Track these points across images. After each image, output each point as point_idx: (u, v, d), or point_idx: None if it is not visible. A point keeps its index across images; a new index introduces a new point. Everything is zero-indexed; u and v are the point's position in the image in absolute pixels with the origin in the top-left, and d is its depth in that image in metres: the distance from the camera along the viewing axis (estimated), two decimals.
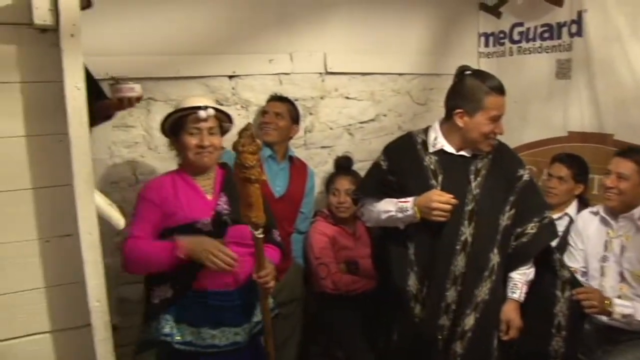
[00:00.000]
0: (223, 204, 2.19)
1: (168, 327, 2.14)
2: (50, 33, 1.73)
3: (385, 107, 3.48)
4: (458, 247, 2.22)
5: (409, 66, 3.52)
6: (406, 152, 2.36)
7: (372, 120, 3.47)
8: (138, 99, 2.30)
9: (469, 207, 2.23)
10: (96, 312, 1.85)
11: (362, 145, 3.44)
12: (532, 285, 2.35)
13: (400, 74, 3.50)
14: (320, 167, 3.29)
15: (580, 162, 3.00)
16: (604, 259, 2.61)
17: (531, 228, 2.30)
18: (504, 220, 2.27)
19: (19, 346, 1.85)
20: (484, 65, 3.70)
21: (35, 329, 1.87)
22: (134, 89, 2.25)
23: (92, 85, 2.34)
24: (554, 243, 2.85)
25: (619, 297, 2.51)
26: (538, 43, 3.39)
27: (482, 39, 3.73)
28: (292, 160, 2.99)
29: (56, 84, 1.77)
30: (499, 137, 2.34)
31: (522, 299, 2.34)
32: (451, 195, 2.19)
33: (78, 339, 1.92)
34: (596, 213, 2.72)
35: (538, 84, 3.41)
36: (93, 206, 1.80)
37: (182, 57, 2.75)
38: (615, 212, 2.62)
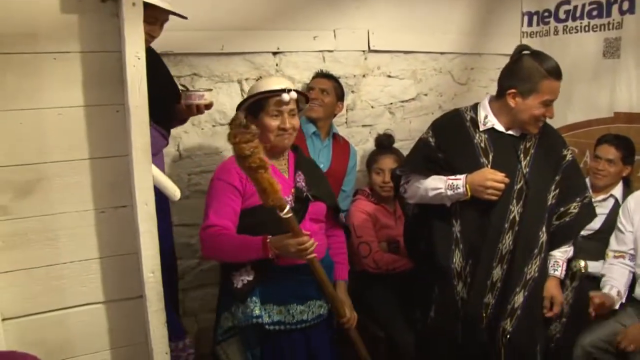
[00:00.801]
0: (301, 182, 2.22)
1: (257, 309, 2.13)
2: (111, 2, 1.72)
3: (427, 86, 3.44)
4: (506, 226, 2.21)
5: (451, 45, 3.47)
6: (455, 129, 2.35)
7: (413, 99, 3.44)
8: (208, 106, 2.33)
9: (518, 186, 2.23)
10: (150, 283, 1.86)
11: (403, 125, 3.42)
12: None
13: (442, 53, 3.46)
14: (361, 145, 3.28)
15: (628, 143, 2.95)
16: None
17: (574, 208, 2.34)
18: (550, 200, 2.29)
19: (73, 316, 1.87)
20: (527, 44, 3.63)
21: (89, 299, 1.89)
22: (203, 97, 2.29)
23: (173, 88, 2.38)
24: (597, 224, 2.85)
25: None
26: (585, 21, 3.32)
27: (526, 17, 3.66)
28: (335, 137, 2.97)
29: (115, 54, 1.77)
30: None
31: (562, 276, 2.38)
32: (504, 174, 2.18)
33: (131, 309, 1.94)
34: None
35: (584, 63, 3.35)
36: (150, 176, 1.81)
37: (226, 32, 2.74)
38: None
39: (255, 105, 2.20)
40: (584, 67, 3.34)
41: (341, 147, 2.99)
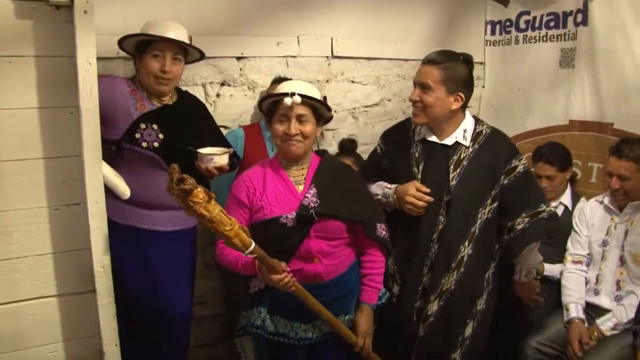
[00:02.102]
0: (311, 197, 2.08)
1: (260, 319, 2.14)
2: (65, 10, 1.81)
3: (390, 92, 3.52)
4: (435, 235, 2.27)
5: (415, 52, 3.51)
6: (399, 138, 2.42)
7: (376, 104, 3.52)
8: (219, 169, 2.30)
9: (447, 198, 2.26)
10: (100, 277, 1.94)
11: (366, 129, 3.49)
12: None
13: (405, 60, 3.54)
14: (324, 148, 3.33)
15: (560, 152, 3.01)
16: (605, 243, 2.70)
17: (518, 224, 2.28)
18: (485, 214, 2.28)
19: (26, 309, 1.94)
20: (490, 53, 3.74)
21: (42, 293, 1.96)
22: (212, 160, 2.26)
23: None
24: None
25: (618, 282, 2.61)
26: (543, 32, 3.42)
27: (489, 26, 3.75)
28: None
29: (69, 58, 1.85)
30: (489, 121, 2.43)
31: (522, 280, 2.45)
32: (428, 191, 2.24)
33: (83, 303, 2.01)
34: (601, 202, 2.79)
35: (542, 72, 3.44)
36: (100, 176, 1.89)
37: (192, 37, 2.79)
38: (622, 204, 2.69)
39: (270, 110, 2.14)
40: (542, 76, 3.44)
41: None
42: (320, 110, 2.13)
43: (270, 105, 2.12)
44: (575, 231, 2.85)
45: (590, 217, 2.79)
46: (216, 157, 2.27)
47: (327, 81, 3.29)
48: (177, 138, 2.28)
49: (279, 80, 2.97)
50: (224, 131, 2.99)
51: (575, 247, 2.82)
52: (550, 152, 2.98)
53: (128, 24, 2.58)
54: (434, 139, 2.31)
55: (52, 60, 1.85)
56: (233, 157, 2.47)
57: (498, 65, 3.75)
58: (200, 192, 1.72)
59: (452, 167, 2.27)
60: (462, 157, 2.28)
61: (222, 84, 3.01)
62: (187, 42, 2.33)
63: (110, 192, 2.22)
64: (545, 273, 2.91)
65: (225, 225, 1.80)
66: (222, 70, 2.99)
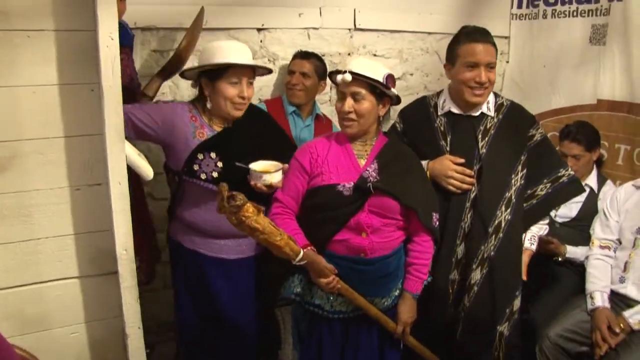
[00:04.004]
0: (371, 171, 2.10)
1: (299, 287, 2.18)
2: None
3: (413, 65, 3.43)
4: (468, 205, 2.27)
5: (439, 25, 3.44)
6: (419, 115, 2.43)
7: (399, 78, 3.42)
8: (270, 187, 2.17)
9: (477, 166, 2.27)
10: (123, 259, 1.90)
11: None
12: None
13: (429, 33, 3.43)
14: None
15: (588, 131, 2.94)
16: (639, 231, 2.60)
17: (540, 190, 2.34)
18: (518, 180, 2.29)
19: (48, 290, 1.92)
20: (516, 27, 3.62)
21: (64, 274, 1.93)
22: (261, 178, 2.14)
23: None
24: (574, 212, 2.88)
25: None
26: (574, 6, 3.29)
27: None
28: (318, 117, 2.98)
29: (89, 32, 1.78)
30: (513, 98, 2.44)
31: (533, 249, 2.42)
32: (462, 161, 2.26)
33: (105, 285, 1.98)
34: (638, 187, 2.69)
35: (570, 49, 3.33)
36: (123, 156, 1.83)
37: (211, 7, 2.69)
38: None
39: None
40: (570, 53, 3.33)
41: (324, 126, 2.99)
42: (380, 89, 2.09)
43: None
44: (605, 215, 2.76)
45: (624, 202, 2.70)
46: (266, 175, 2.15)
47: (348, 54, 3.20)
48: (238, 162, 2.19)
49: (300, 54, 2.89)
50: None
51: (604, 231, 2.74)
52: (578, 130, 2.91)
53: None
54: (459, 111, 2.33)
55: (72, 35, 1.77)
56: None
57: (523, 40, 3.64)
58: (250, 207, 1.80)
59: (480, 136, 2.30)
60: (488, 126, 2.32)
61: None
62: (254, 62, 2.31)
63: (179, 220, 2.33)
64: (567, 255, 2.87)
65: (276, 235, 1.88)
66: (242, 42, 2.84)
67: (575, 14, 3.30)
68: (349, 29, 3.17)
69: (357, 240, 2.08)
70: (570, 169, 2.41)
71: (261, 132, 2.36)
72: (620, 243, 2.69)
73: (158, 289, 2.94)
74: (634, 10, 2.97)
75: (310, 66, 2.87)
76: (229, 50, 2.18)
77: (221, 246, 2.30)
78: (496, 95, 2.40)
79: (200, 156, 2.19)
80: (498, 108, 2.35)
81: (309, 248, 2.06)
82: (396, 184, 2.10)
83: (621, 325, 2.44)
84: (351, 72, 2.02)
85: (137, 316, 1.96)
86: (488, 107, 2.33)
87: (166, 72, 2.35)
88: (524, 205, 2.33)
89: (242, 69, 2.18)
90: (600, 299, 2.57)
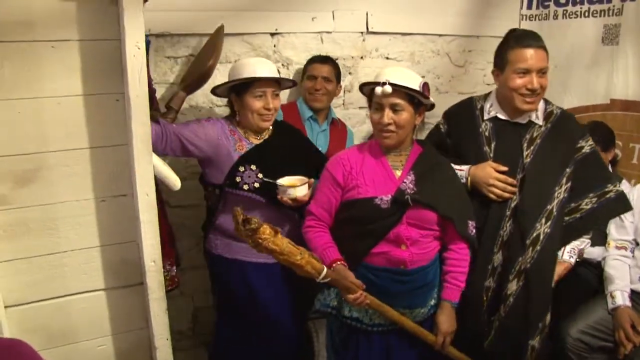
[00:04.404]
0: (408, 183, 2.07)
1: (335, 300, 2.14)
2: None
3: (424, 68, 3.41)
4: (508, 213, 2.23)
5: (449, 27, 3.42)
6: (465, 117, 2.38)
7: None
8: (294, 200, 2.25)
9: (521, 175, 2.23)
10: (151, 271, 1.89)
11: None
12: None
13: (440, 35, 3.41)
14: (358, 126, 3.26)
15: (603, 131, 2.91)
16: None
17: (585, 204, 2.27)
18: (561, 193, 2.24)
19: (74, 303, 1.90)
20: (526, 27, 3.60)
21: (90, 287, 1.92)
22: (287, 192, 2.23)
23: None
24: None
25: None
26: (586, 6, 3.27)
27: (525, 0, 3.60)
28: (334, 122, 2.96)
29: (113, 42, 1.76)
30: (565, 107, 2.41)
31: (572, 262, 2.40)
32: (505, 169, 2.21)
33: (131, 296, 1.97)
34: None
35: (582, 49, 3.30)
36: (151, 167, 1.82)
37: (224, 13, 2.67)
38: None
39: (369, 98, 2.14)
40: (582, 53, 3.31)
41: (339, 131, 2.97)
42: (418, 98, 2.06)
43: (370, 91, 2.11)
44: (620, 216, 2.75)
45: (638, 202, 2.69)
46: (291, 189, 2.23)
47: (361, 57, 3.18)
48: (275, 175, 2.29)
49: (319, 59, 2.87)
50: None
51: (620, 232, 2.73)
52: (593, 131, 2.87)
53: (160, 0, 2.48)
54: (506, 117, 2.28)
55: (96, 45, 1.76)
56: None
57: None
58: (266, 229, 1.79)
59: (525, 145, 2.25)
60: (535, 135, 2.26)
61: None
62: (279, 75, 2.38)
63: (219, 231, 2.37)
64: (584, 256, 2.86)
65: (296, 255, 1.87)
66: (256, 47, 2.87)
67: (587, 14, 3.28)
68: (361, 33, 3.14)
69: (397, 252, 2.06)
70: (618, 185, 2.34)
71: (294, 145, 2.48)
72: (638, 243, 2.68)
73: (173, 296, 2.92)
74: None
75: (330, 70, 2.85)
76: (254, 66, 2.29)
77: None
78: (547, 102, 2.34)
79: (242, 168, 2.28)
80: (547, 116, 2.29)
81: (338, 263, 2.04)
82: (433, 195, 2.07)
83: None
84: (390, 84, 1.98)
85: (165, 328, 1.95)
86: (537, 115, 2.27)
87: (191, 87, 2.36)
88: (567, 218, 2.27)
89: (266, 82, 2.27)
90: (621, 298, 2.56)
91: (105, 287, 1.93)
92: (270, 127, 2.41)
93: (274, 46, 2.92)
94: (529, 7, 3.58)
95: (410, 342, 2.16)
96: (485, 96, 2.38)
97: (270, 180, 2.26)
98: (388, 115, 2.02)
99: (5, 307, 1.78)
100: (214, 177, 2.32)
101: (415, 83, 2.03)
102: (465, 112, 2.39)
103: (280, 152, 2.37)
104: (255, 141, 2.35)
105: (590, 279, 2.83)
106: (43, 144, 1.74)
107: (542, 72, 2.16)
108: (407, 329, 2.10)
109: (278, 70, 2.42)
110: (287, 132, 2.50)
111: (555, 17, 3.45)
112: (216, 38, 2.47)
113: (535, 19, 3.57)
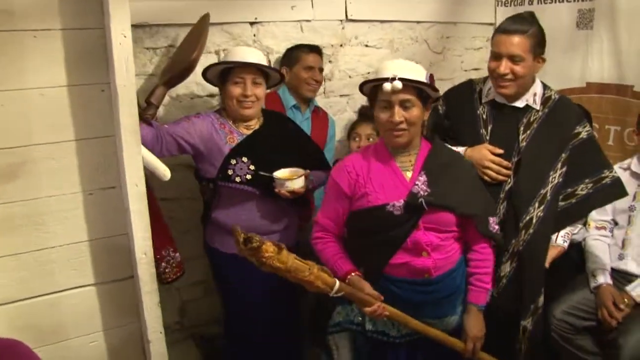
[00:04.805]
0: (420, 184, 1.93)
1: (359, 316, 2.02)
2: None
3: (403, 55, 3.40)
4: (502, 196, 2.24)
5: (427, 14, 3.43)
6: (463, 99, 2.38)
7: None
8: (293, 193, 2.26)
9: (516, 159, 2.24)
10: (143, 264, 1.86)
11: None
12: None
13: (418, 22, 3.42)
14: (339, 115, 3.25)
15: (583, 112, 2.96)
16: (632, 208, 2.65)
17: (581, 189, 2.27)
18: (555, 178, 2.25)
19: (64, 299, 1.87)
20: (502, 14, 3.62)
21: (80, 282, 1.88)
22: (284, 185, 2.24)
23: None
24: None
25: None
26: None
27: None
28: (315, 109, 2.96)
29: (97, 30, 1.72)
30: (563, 92, 2.41)
31: (565, 246, 2.46)
32: (500, 151, 2.21)
33: (122, 291, 1.94)
34: (626, 168, 2.73)
35: (558, 34, 3.33)
36: (139, 157, 1.79)
37: (204, 2, 2.62)
38: None
39: (371, 95, 1.99)
40: (558, 38, 3.34)
41: (320, 118, 2.97)
42: (426, 92, 1.95)
43: (372, 89, 1.97)
44: None
45: None
46: (288, 182, 2.24)
47: (341, 45, 3.17)
48: (267, 166, 2.29)
49: (313, 49, 2.87)
50: None
51: (599, 213, 2.77)
52: None
53: None
54: (503, 101, 2.28)
55: (79, 34, 1.73)
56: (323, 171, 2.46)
57: None
58: (269, 247, 1.72)
59: (522, 128, 2.25)
60: (532, 119, 2.26)
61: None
62: (266, 65, 2.37)
63: (215, 225, 2.36)
64: None
65: (303, 271, 1.79)
66: (236, 36, 2.83)
67: (561, 0, 3.34)
68: (341, 20, 3.13)
69: (418, 261, 1.93)
70: (615, 171, 2.34)
71: (285, 134, 2.46)
72: (617, 223, 2.75)
73: (161, 290, 2.88)
74: None
75: (320, 60, 2.87)
76: (234, 53, 2.33)
77: None
78: (545, 87, 2.34)
79: (233, 161, 2.27)
80: (545, 101, 2.29)
81: (353, 274, 1.95)
82: (449, 194, 1.94)
83: (625, 300, 2.48)
84: (400, 79, 1.84)
85: (158, 321, 1.93)
86: (534, 99, 2.27)
87: (173, 81, 2.31)
88: (563, 203, 2.27)
89: (244, 68, 2.27)
90: (602, 277, 2.61)
91: (95, 282, 1.89)
92: (261, 117, 2.41)
93: (254, 35, 2.89)
94: None
95: (439, 350, 2.02)
96: (485, 79, 2.38)
97: (267, 174, 2.25)
98: (399, 113, 1.88)
99: None
100: (207, 172, 2.31)
101: (422, 75, 1.93)
102: (463, 94, 2.39)
103: (271, 141, 2.37)
104: (246, 131, 2.35)
105: (574, 258, 2.89)
106: (27, 137, 1.70)
107: (513, 58, 2.15)
108: (433, 338, 1.97)
109: (269, 61, 2.41)
110: (277, 121, 2.49)
111: (531, 2, 3.50)
112: (201, 28, 2.42)
113: (510, 5, 3.61)
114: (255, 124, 2.39)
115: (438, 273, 1.95)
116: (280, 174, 2.27)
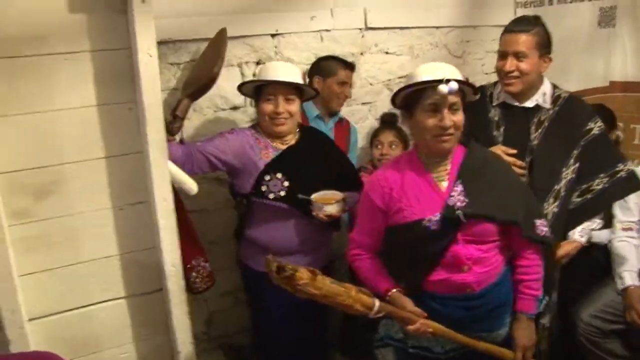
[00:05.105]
0: (457, 195, 1.82)
1: (401, 332, 1.96)
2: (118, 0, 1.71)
3: (423, 60, 3.38)
4: None
5: (446, 19, 3.44)
6: (474, 104, 2.36)
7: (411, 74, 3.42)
8: (330, 217, 2.24)
9: (529, 158, 2.27)
10: (172, 276, 1.91)
11: None
12: None
13: (437, 27, 3.42)
14: (361, 123, 3.26)
15: (604, 113, 2.91)
16: None
17: (597, 184, 2.30)
18: (569, 174, 2.28)
19: (96, 312, 1.92)
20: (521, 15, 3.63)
21: (111, 295, 1.93)
22: (322, 209, 2.22)
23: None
24: None
25: None
26: None
27: None
28: (338, 119, 2.98)
29: (124, 51, 1.77)
30: (572, 90, 2.44)
31: (583, 241, 2.45)
32: (514, 151, 2.24)
33: (152, 302, 1.98)
34: None
35: (579, 33, 3.33)
36: (167, 172, 1.84)
37: (224, 16, 2.67)
38: None
39: (411, 99, 1.85)
40: (580, 37, 3.34)
41: (343, 128, 2.99)
42: (468, 95, 1.91)
43: (412, 93, 1.84)
44: (624, 198, 2.78)
45: None
46: (327, 206, 2.22)
47: (361, 54, 3.19)
48: (302, 182, 2.28)
49: (348, 65, 2.89)
50: None
51: (625, 214, 2.75)
52: (598, 110, 2.91)
53: (161, 7, 2.48)
54: (513, 102, 2.33)
55: (107, 54, 1.78)
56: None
57: None
58: (303, 273, 1.71)
59: (533, 128, 2.30)
60: (542, 118, 2.31)
61: (258, 63, 2.88)
62: (300, 82, 2.32)
63: (249, 241, 2.36)
64: (593, 240, 2.88)
65: (341, 295, 1.77)
66: (257, 49, 2.87)
67: None
68: (360, 29, 3.15)
69: (459, 277, 1.83)
70: (629, 164, 2.36)
71: (322, 152, 2.42)
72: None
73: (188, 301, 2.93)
74: None
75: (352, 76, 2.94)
76: (268, 69, 2.33)
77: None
78: (554, 87, 2.39)
79: (267, 177, 2.26)
80: (555, 100, 2.33)
81: (394, 291, 1.89)
82: (488, 202, 1.83)
83: None
84: (456, 81, 1.76)
85: (187, 332, 1.97)
86: (544, 99, 2.32)
87: (196, 94, 2.35)
88: (579, 199, 2.30)
89: (276, 85, 2.27)
90: (630, 279, 2.59)
91: (126, 295, 1.94)
92: (298, 133, 2.39)
93: (275, 47, 2.93)
94: None
95: None
96: (495, 83, 2.43)
97: (305, 197, 2.23)
98: (450, 118, 1.79)
99: (29, 319, 1.79)
100: (242, 187, 2.31)
101: (461, 76, 1.85)
102: (475, 99, 2.41)
103: (306, 157, 2.34)
104: (281, 147, 2.34)
105: (600, 260, 2.86)
106: (60, 156, 1.76)
107: (518, 55, 2.22)
108: (482, 351, 1.89)
109: (304, 76, 2.37)
110: (314, 137, 2.47)
111: (551, 3, 3.48)
112: (220, 42, 2.46)
113: (530, 6, 3.58)
114: (291, 139, 2.37)
115: (481, 287, 1.85)
116: (318, 197, 2.23)
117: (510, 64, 2.23)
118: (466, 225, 1.81)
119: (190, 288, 2.49)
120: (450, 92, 1.75)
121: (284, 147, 2.34)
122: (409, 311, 1.84)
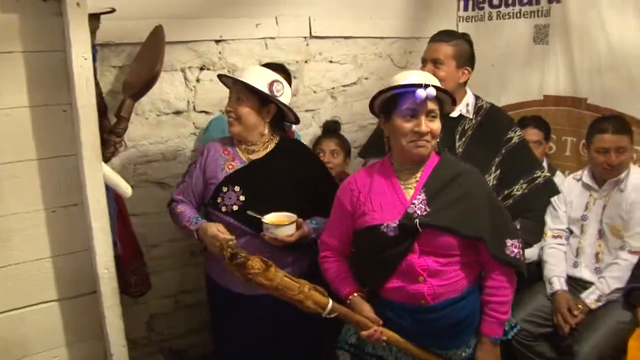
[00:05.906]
0: (418, 203, 1.81)
1: (354, 337, 1.97)
2: (52, 2, 1.72)
3: (367, 70, 3.51)
4: None
5: (390, 30, 3.55)
6: None
7: (354, 83, 3.50)
8: (275, 240, 2.08)
9: None
10: (104, 279, 1.90)
11: (345, 109, 3.48)
12: None
13: (381, 38, 3.53)
14: (305, 130, 3.32)
15: (545, 122, 3.17)
16: (584, 217, 2.78)
17: (517, 190, 2.42)
18: (491, 180, 2.38)
19: (28, 315, 1.89)
20: (463, 29, 3.72)
21: (43, 298, 1.90)
22: (269, 230, 2.07)
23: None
24: None
25: (597, 254, 2.71)
26: (517, 8, 3.44)
27: (462, 2, 3.73)
28: None
29: (58, 53, 1.77)
30: (492, 100, 2.58)
31: None
32: None
33: (84, 306, 1.96)
34: (579, 179, 2.86)
35: (516, 48, 3.47)
36: (101, 175, 1.83)
37: (167, 20, 2.67)
38: (601, 179, 2.75)
39: (388, 104, 1.86)
40: (517, 52, 3.47)
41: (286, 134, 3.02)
42: (445, 105, 1.91)
43: (389, 98, 1.86)
44: (554, 207, 2.91)
45: (568, 194, 2.86)
46: (273, 228, 2.07)
47: (305, 62, 3.26)
48: (259, 199, 2.16)
49: (284, 70, 2.87)
50: (205, 117, 2.95)
51: (555, 222, 2.89)
52: (537, 120, 3.15)
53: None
54: None
55: (41, 56, 1.76)
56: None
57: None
58: (256, 263, 1.71)
59: (457, 136, 2.39)
60: (466, 127, 2.42)
61: (202, 69, 2.92)
62: (253, 84, 2.17)
63: (213, 255, 2.18)
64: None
65: (293, 290, 1.76)
66: (201, 54, 2.90)
67: (518, 15, 3.45)
68: (305, 37, 3.22)
69: (413, 287, 1.80)
70: (546, 171, 2.51)
71: (293, 168, 2.26)
72: (572, 232, 2.86)
73: (127, 304, 2.91)
74: (571, 12, 3.14)
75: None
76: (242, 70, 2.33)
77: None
78: (477, 98, 2.50)
79: (225, 189, 2.20)
80: (477, 110, 2.45)
81: (355, 295, 1.90)
82: (450, 215, 1.80)
83: (579, 306, 2.59)
84: (433, 86, 1.78)
85: (121, 335, 1.96)
86: (468, 109, 2.43)
87: (139, 94, 2.35)
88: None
89: (234, 85, 2.24)
90: (558, 284, 2.72)
91: (58, 298, 1.92)
92: (270, 145, 2.27)
93: (219, 53, 2.96)
94: (465, 9, 3.74)
95: None
96: None
97: (255, 215, 2.11)
98: (427, 124, 1.80)
99: None
100: (205, 197, 2.27)
101: (440, 86, 1.88)
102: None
103: (271, 173, 2.21)
104: (251, 157, 2.24)
105: (531, 268, 2.97)
106: None
107: (435, 62, 2.35)
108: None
109: (270, 85, 2.19)
110: (288, 152, 2.30)
111: (490, 18, 3.61)
112: (158, 40, 2.45)
113: (471, 20, 3.72)
114: (261, 151, 2.26)
115: (437, 301, 1.81)
116: (272, 217, 2.09)
117: (428, 69, 2.33)
118: (424, 236, 1.79)
119: (129, 291, 2.49)
120: (429, 98, 1.78)
121: (252, 157, 2.25)
122: (364, 316, 1.84)
